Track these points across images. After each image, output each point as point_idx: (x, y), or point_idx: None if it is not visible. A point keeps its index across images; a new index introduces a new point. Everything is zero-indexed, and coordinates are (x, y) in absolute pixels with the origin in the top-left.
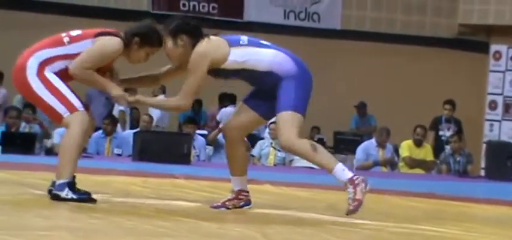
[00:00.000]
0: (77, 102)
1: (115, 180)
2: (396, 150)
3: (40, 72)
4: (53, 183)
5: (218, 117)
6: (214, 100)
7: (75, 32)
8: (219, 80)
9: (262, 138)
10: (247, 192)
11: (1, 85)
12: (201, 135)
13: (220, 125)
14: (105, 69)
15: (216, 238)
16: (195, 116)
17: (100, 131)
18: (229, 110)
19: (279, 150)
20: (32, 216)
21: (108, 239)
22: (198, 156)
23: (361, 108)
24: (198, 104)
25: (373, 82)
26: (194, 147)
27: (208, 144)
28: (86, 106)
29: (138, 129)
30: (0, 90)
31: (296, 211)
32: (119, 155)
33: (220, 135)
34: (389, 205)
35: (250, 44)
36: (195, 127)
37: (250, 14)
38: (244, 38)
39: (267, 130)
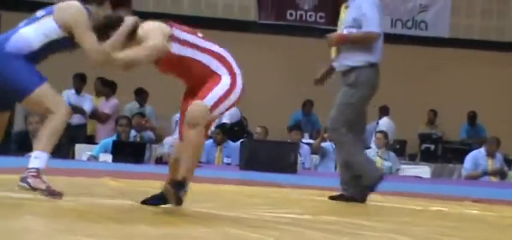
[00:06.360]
0: None
1: (223, 190)
2: (506, 160)
3: None
4: None
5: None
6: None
7: None
8: None
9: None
10: None
11: (112, 96)
12: (307, 143)
13: (326, 134)
14: None
15: None
16: (305, 117)
17: (211, 140)
18: None
19: (385, 160)
20: (139, 225)
21: None
22: (303, 163)
23: (472, 117)
24: (309, 103)
25: (482, 91)
26: (300, 154)
27: (313, 152)
28: None
29: (244, 138)
30: (111, 101)
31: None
32: (229, 164)
33: (326, 143)
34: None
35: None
36: (299, 134)
37: None
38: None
39: (373, 139)
